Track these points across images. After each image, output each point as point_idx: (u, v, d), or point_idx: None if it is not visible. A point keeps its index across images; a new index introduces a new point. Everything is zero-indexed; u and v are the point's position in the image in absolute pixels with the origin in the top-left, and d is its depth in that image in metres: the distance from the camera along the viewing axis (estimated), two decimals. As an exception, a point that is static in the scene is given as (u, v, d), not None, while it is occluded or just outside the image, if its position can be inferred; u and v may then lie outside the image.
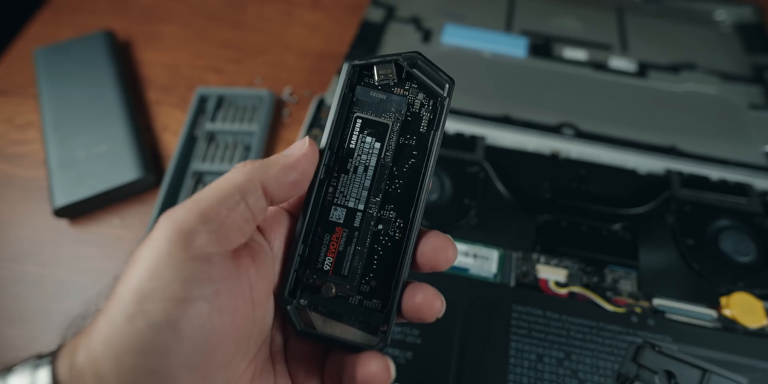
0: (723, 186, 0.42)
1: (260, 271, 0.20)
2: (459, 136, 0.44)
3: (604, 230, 0.40)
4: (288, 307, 0.22)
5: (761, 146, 0.46)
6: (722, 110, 0.49)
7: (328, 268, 0.22)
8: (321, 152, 0.22)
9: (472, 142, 0.44)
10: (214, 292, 0.18)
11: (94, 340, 0.17)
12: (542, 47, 0.54)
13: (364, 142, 0.23)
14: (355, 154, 0.23)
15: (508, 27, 0.56)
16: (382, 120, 0.23)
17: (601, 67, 0.52)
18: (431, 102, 0.23)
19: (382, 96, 0.23)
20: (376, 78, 0.23)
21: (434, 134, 0.23)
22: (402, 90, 0.23)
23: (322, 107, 0.46)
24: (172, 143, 0.47)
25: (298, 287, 0.22)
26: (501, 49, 0.53)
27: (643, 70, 0.52)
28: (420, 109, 0.23)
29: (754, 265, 0.38)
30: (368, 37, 0.53)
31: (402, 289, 0.22)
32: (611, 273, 0.37)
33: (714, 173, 0.43)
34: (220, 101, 0.49)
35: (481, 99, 0.48)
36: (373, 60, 0.23)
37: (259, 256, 0.21)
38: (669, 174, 0.43)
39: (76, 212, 0.42)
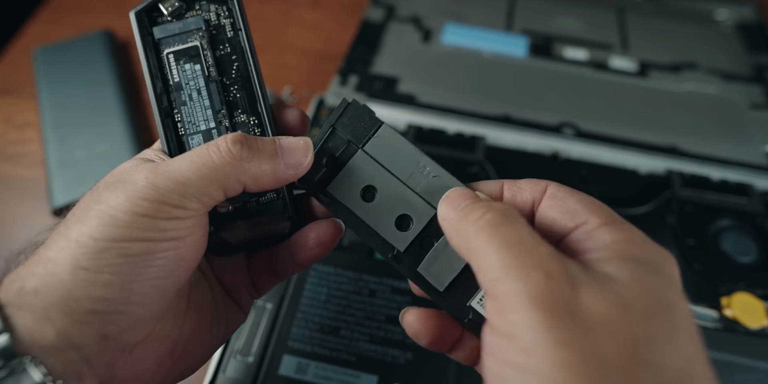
0: (724, 186, 0.42)
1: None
2: (459, 136, 0.44)
3: (604, 230, 0.39)
4: None
5: (762, 146, 0.46)
6: (723, 110, 0.49)
7: None
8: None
9: (472, 142, 0.44)
10: (180, 236, 0.20)
11: (54, 261, 0.19)
12: (543, 47, 0.54)
13: (185, 71, 0.24)
14: (183, 84, 0.24)
15: (509, 26, 0.56)
16: (188, 45, 0.24)
17: (601, 66, 0.52)
18: (224, 8, 0.24)
19: (179, 25, 0.24)
20: (166, 13, 0.24)
21: (241, 34, 0.24)
22: (194, 12, 0.24)
23: (322, 107, 0.46)
24: (171, 143, 0.47)
25: None
26: (501, 48, 0.53)
27: (643, 69, 0.52)
28: (219, 19, 0.24)
29: (755, 265, 0.38)
30: (368, 37, 0.53)
31: None
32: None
33: (715, 173, 0.43)
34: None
35: (482, 99, 0.48)
36: None
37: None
38: (670, 174, 0.43)
39: (75, 212, 0.42)
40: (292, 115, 0.25)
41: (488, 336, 0.17)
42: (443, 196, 0.21)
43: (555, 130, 0.46)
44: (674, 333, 0.17)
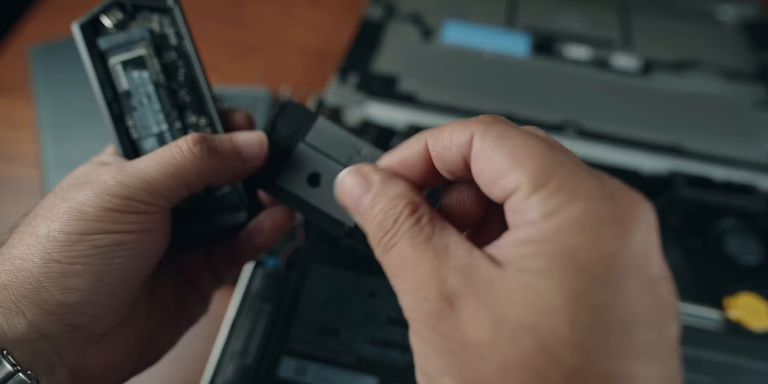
0: (727, 186, 0.42)
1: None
2: (460, 135, 0.44)
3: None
4: None
5: (766, 145, 0.46)
6: (726, 109, 0.49)
7: None
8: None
9: (473, 141, 0.43)
10: (147, 228, 0.21)
11: (23, 257, 0.19)
12: (545, 45, 0.53)
13: (133, 79, 0.25)
14: (133, 91, 0.25)
15: (510, 24, 0.56)
16: (134, 54, 0.25)
17: (604, 65, 0.52)
18: (167, 18, 0.25)
19: (123, 36, 0.25)
20: (109, 24, 0.25)
21: (185, 42, 0.25)
22: (137, 22, 0.25)
23: (322, 106, 0.46)
24: (169, 142, 0.47)
25: None
26: (503, 47, 0.53)
27: (646, 68, 0.52)
28: (162, 28, 0.25)
29: (759, 265, 0.38)
30: (367, 35, 0.53)
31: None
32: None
33: (718, 173, 0.43)
34: (219, 99, 0.48)
35: (483, 97, 0.48)
36: (95, 11, 0.24)
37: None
38: (673, 174, 0.43)
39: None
40: (238, 118, 0.26)
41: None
42: (336, 183, 0.20)
43: (557, 128, 0.45)
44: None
